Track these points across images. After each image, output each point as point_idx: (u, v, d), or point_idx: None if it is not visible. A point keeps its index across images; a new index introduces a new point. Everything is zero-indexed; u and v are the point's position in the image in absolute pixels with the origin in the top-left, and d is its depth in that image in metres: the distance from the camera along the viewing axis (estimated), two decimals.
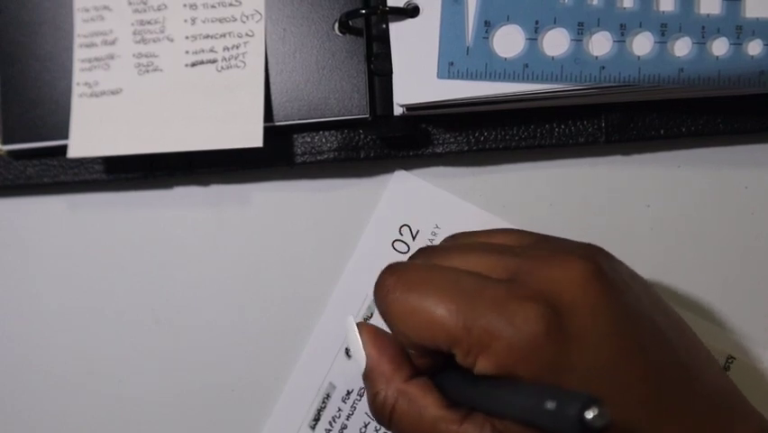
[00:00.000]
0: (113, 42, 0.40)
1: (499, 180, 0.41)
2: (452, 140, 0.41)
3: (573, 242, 0.32)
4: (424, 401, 0.30)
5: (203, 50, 0.40)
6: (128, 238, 0.42)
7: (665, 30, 0.37)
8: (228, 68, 0.39)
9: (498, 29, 0.38)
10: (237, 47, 0.40)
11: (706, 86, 0.37)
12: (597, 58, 0.37)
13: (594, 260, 0.29)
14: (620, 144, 0.41)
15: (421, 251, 0.34)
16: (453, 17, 0.38)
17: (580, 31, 0.37)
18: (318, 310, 0.41)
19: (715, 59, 0.37)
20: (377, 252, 0.41)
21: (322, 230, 0.42)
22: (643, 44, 0.37)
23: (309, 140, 0.41)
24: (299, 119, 0.40)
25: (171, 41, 0.40)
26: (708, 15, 0.37)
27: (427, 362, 0.31)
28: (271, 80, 0.40)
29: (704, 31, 0.37)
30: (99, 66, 0.40)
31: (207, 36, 0.40)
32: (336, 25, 0.40)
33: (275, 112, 0.40)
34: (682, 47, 0.37)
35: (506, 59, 0.37)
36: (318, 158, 0.41)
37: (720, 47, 0.37)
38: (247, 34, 0.40)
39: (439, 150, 0.41)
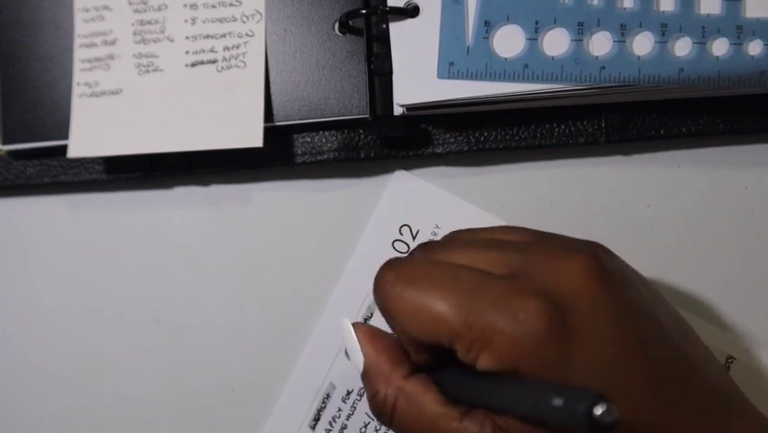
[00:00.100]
0: (113, 42, 0.40)
1: (499, 180, 0.41)
2: (452, 140, 0.41)
3: (574, 239, 0.32)
4: (424, 399, 0.30)
5: (203, 51, 0.40)
6: (128, 238, 0.42)
7: (665, 30, 0.37)
8: (228, 68, 0.39)
9: (499, 29, 0.38)
10: (237, 47, 0.40)
11: (706, 86, 0.37)
12: (597, 58, 0.37)
13: (595, 256, 0.29)
14: (620, 144, 0.41)
15: (421, 246, 0.33)
16: (454, 17, 0.38)
17: (581, 31, 0.37)
18: (318, 310, 0.41)
19: (715, 60, 0.37)
20: (377, 252, 0.41)
21: (322, 230, 0.42)
22: (643, 44, 0.37)
23: (309, 140, 0.41)
24: (299, 119, 0.40)
25: (171, 41, 0.40)
26: (708, 15, 0.37)
27: (426, 358, 0.31)
28: (271, 80, 0.40)
29: (704, 31, 0.37)
30: (99, 66, 0.40)
31: (208, 36, 0.40)
32: (336, 25, 0.40)
33: (275, 112, 0.40)
34: (683, 47, 0.37)
35: (506, 59, 0.37)
36: (318, 158, 0.41)
37: (720, 47, 0.37)
38: (247, 34, 0.40)
39: (439, 150, 0.41)
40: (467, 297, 0.28)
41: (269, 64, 0.40)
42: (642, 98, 0.39)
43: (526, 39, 0.37)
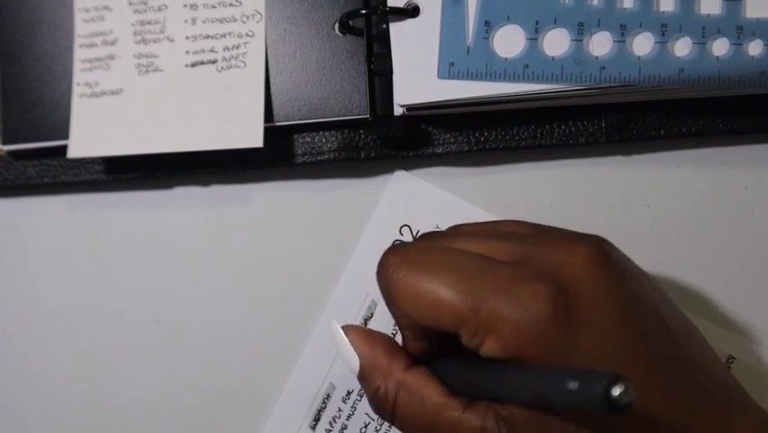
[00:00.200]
0: (113, 43, 0.40)
1: (500, 181, 0.41)
2: (452, 140, 0.41)
3: (577, 232, 0.32)
4: (425, 390, 0.29)
5: (203, 51, 0.40)
6: (128, 238, 0.42)
7: (666, 30, 0.37)
8: (228, 68, 0.39)
9: (499, 29, 0.38)
10: (237, 47, 0.40)
11: (706, 86, 0.37)
12: (597, 58, 0.37)
13: (599, 246, 0.29)
14: (620, 144, 0.41)
15: (425, 235, 0.33)
16: (454, 17, 0.38)
17: (581, 31, 0.37)
18: (318, 310, 0.41)
19: (715, 60, 0.37)
20: (377, 252, 0.40)
21: (322, 230, 0.42)
22: (643, 44, 0.37)
23: (309, 140, 0.41)
24: (299, 119, 0.40)
25: (171, 41, 0.40)
26: (708, 16, 0.37)
27: (424, 345, 0.30)
28: (272, 80, 0.40)
29: (704, 31, 0.37)
30: (99, 66, 0.40)
31: (208, 36, 0.40)
32: (336, 25, 0.40)
33: (275, 112, 0.40)
34: (683, 47, 0.37)
35: (506, 59, 0.37)
36: (318, 158, 0.41)
37: (721, 47, 0.37)
38: (247, 34, 0.40)
39: (439, 150, 0.41)
40: (472, 282, 0.27)
41: (270, 64, 0.40)
42: (642, 98, 0.39)
43: (527, 39, 0.37)
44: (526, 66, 0.37)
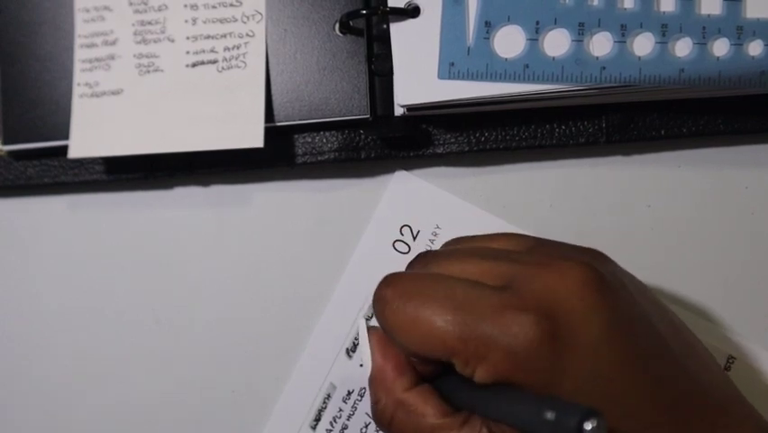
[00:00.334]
0: (113, 43, 0.40)
1: (500, 181, 0.41)
2: (452, 140, 0.41)
3: (573, 246, 0.32)
4: (422, 410, 0.30)
5: (203, 51, 0.40)
6: (128, 238, 0.42)
7: (666, 30, 0.37)
8: (229, 68, 0.39)
9: (499, 29, 0.38)
10: (238, 47, 0.40)
11: (707, 86, 0.37)
12: (597, 58, 0.37)
13: (592, 266, 0.29)
14: (621, 145, 0.41)
15: (420, 257, 0.34)
16: (454, 18, 0.38)
17: (581, 31, 0.37)
18: (318, 310, 0.41)
19: (715, 60, 0.37)
20: (377, 252, 0.41)
21: (322, 230, 0.42)
22: (643, 45, 0.37)
23: (310, 140, 0.41)
24: (300, 119, 0.40)
25: (172, 41, 0.40)
26: (708, 16, 0.37)
27: (430, 369, 0.31)
28: (272, 81, 0.40)
29: (705, 31, 0.37)
30: (100, 66, 0.40)
31: (208, 36, 0.40)
32: (337, 26, 0.40)
33: (276, 112, 0.40)
34: (683, 47, 0.37)
35: (506, 59, 0.37)
36: (319, 158, 0.41)
37: (721, 47, 0.37)
38: (248, 35, 0.40)
39: (440, 150, 0.41)
40: (461, 312, 0.28)
41: (270, 64, 0.40)
42: (642, 99, 0.39)
43: (527, 39, 0.37)
44: (527, 66, 0.37)
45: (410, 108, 0.39)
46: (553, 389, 0.27)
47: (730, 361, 0.39)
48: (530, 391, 0.27)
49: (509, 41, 0.37)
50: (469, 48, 0.38)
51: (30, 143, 0.40)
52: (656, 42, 0.37)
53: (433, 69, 0.38)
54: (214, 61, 0.39)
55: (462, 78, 0.38)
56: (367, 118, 0.39)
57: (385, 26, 0.39)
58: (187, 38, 0.40)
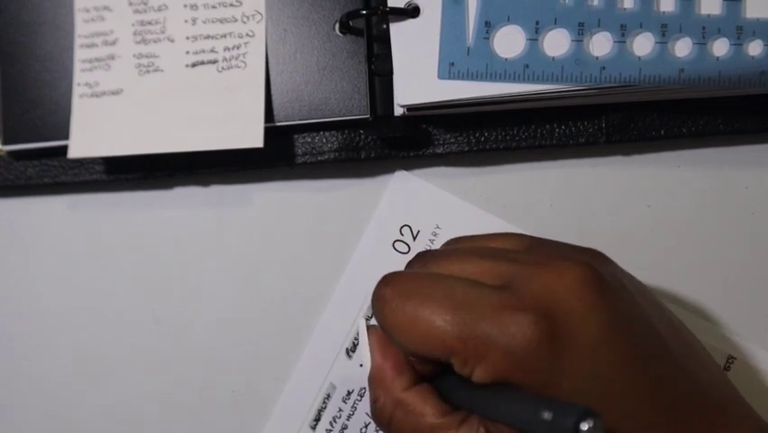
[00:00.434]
0: (113, 43, 0.40)
1: (500, 181, 0.41)
2: (452, 140, 0.41)
3: (573, 246, 0.32)
4: (421, 410, 0.30)
5: (203, 51, 0.40)
6: (128, 238, 0.42)
7: (666, 30, 0.37)
8: (229, 68, 0.39)
9: (499, 29, 0.38)
10: (238, 47, 0.40)
11: (706, 86, 0.37)
12: (597, 58, 0.37)
13: (591, 266, 0.29)
14: (621, 145, 0.41)
15: (419, 256, 0.34)
16: (454, 17, 0.38)
17: (581, 31, 0.37)
18: (318, 310, 0.41)
19: (715, 60, 0.37)
20: (377, 252, 0.41)
21: (322, 230, 0.42)
22: (643, 45, 0.37)
23: (310, 140, 0.41)
24: (300, 119, 0.40)
25: (172, 41, 0.40)
26: (708, 16, 0.37)
27: (429, 368, 0.31)
28: (272, 81, 0.40)
29: (704, 31, 0.37)
30: (100, 66, 0.40)
31: (208, 36, 0.40)
32: (337, 26, 0.40)
33: (275, 112, 0.40)
34: (683, 47, 0.37)
35: (506, 59, 0.37)
36: (319, 158, 0.41)
37: (721, 47, 0.37)
38: (248, 35, 0.40)
39: (440, 150, 0.41)
40: (460, 312, 0.28)
41: (270, 64, 0.40)
42: (642, 99, 0.39)
43: (527, 39, 0.37)
44: (527, 66, 0.37)
45: (410, 108, 0.39)
46: (551, 389, 0.27)
47: (730, 361, 0.39)
48: (528, 392, 0.27)
49: (509, 41, 0.37)
50: (469, 48, 0.38)
51: (30, 143, 0.40)
52: (656, 42, 0.37)
53: (433, 69, 0.38)
54: (214, 61, 0.40)
55: (462, 78, 0.38)
56: (367, 118, 0.39)
57: (385, 26, 0.39)
58: (187, 38, 0.40)
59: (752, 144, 0.41)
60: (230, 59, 0.39)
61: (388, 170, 0.42)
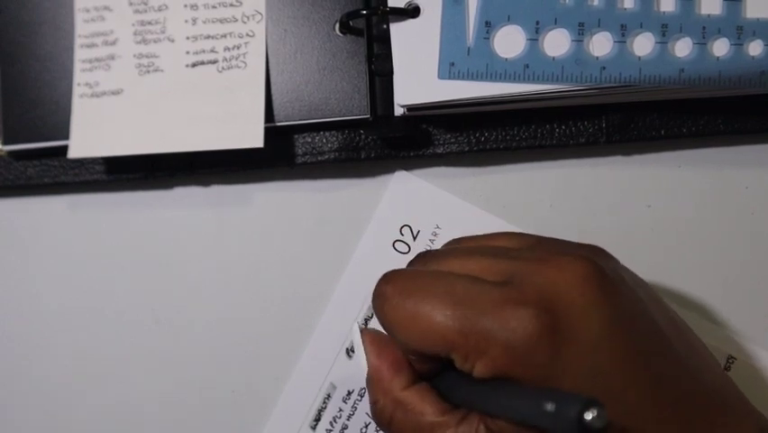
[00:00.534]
0: (113, 43, 0.40)
1: (500, 181, 0.41)
2: (452, 140, 0.41)
3: (574, 243, 0.32)
4: (421, 408, 0.30)
5: (203, 51, 0.40)
6: (128, 238, 0.42)
7: (666, 30, 0.37)
8: (229, 68, 0.39)
9: (499, 29, 0.38)
10: (238, 47, 0.40)
11: (707, 86, 0.37)
12: (597, 58, 0.37)
13: (593, 261, 0.29)
14: (621, 145, 0.41)
15: (420, 256, 0.34)
16: (454, 18, 0.38)
17: (581, 31, 0.37)
18: (318, 310, 0.41)
19: (715, 60, 0.37)
20: (378, 252, 0.41)
21: (322, 230, 0.42)
22: (643, 45, 0.37)
23: (310, 140, 0.41)
24: (300, 119, 0.40)
25: (172, 41, 0.40)
26: (708, 16, 0.37)
27: (428, 367, 0.31)
28: (272, 81, 0.40)
29: (705, 31, 0.37)
30: (100, 66, 0.40)
31: (208, 36, 0.40)
32: (337, 26, 0.40)
33: (276, 112, 0.40)
34: (683, 47, 0.37)
35: (506, 59, 0.37)
36: (319, 158, 0.41)
37: (721, 47, 0.37)
38: (248, 35, 0.40)
39: (440, 150, 0.41)
40: (461, 307, 0.28)
41: (270, 64, 0.40)
42: (642, 99, 0.39)
43: (527, 39, 0.37)
44: (527, 66, 0.37)
45: (410, 108, 0.39)
46: (551, 383, 0.27)
47: (730, 361, 0.39)
48: (529, 386, 0.27)
49: (509, 41, 0.37)
50: (469, 48, 0.38)
51: (30, 143, 0.40)
52: (656, 42, 0.37)
53: (433, 69, 0.38)
54: (215, 61, 0.40)
55: (462, 78, 0.38)
56: (367, 118, 0.39)
57: (385, 26, 0.39)
58: (187, 38, 0.40)
59: (752, 144, 0.41)
60: (230, 60, 0.39)
61: (388, 170, 0.42)
